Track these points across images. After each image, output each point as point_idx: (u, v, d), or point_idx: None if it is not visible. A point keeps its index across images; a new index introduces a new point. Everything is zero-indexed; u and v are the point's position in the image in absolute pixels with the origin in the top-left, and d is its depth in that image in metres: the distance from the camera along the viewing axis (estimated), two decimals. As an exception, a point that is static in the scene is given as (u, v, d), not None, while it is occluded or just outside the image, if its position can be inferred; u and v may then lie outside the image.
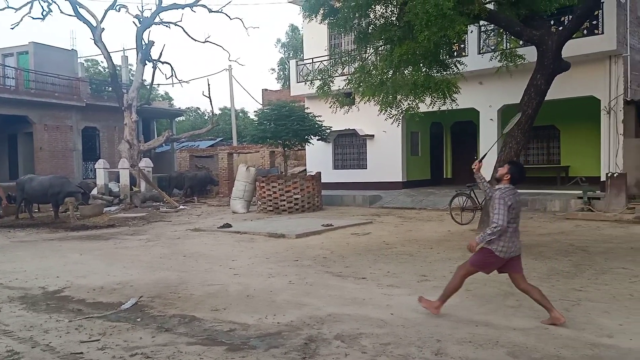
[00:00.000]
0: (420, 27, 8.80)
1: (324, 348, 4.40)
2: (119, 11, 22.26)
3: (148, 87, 25.35)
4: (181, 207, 18.58)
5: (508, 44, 13.59)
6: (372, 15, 10.98)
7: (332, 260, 8.32)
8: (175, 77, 24.96)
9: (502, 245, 4.84)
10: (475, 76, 15.40)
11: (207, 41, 24.14)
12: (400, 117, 11.89)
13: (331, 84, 12.16)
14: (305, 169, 20.94)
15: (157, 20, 22.54)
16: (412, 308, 5.40)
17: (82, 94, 25.68)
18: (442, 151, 21.33)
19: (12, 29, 21.52)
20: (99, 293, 6.57)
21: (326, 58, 16.81)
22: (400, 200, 16.72)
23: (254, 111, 19.87)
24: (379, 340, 4.54)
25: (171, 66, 24.13)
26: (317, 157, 20.20)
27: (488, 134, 16.54)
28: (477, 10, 9.44)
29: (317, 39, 19.28)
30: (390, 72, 10.55)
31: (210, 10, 22.78)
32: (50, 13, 21.60)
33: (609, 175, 13.29)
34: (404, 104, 11.37)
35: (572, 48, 12.26)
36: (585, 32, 13.92)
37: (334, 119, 15.78)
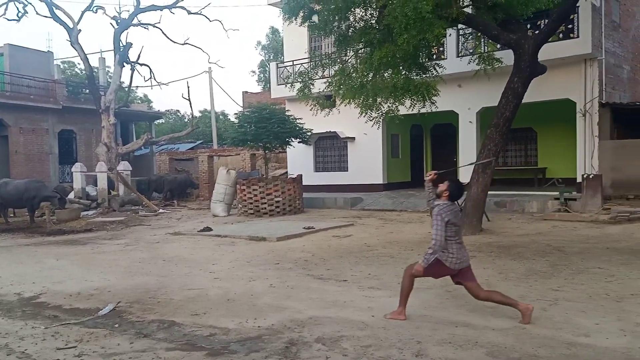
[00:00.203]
0: (399, 30, 8.87)
1: (304, 351, 4.39)
2: (96, 12, 21.96)
3: (126, 89, 25.03)
4: (161, 210, 18.37)
5: (486, 48, 13.78)
6: (351, 18, 11.04)
7: (314, 263, 8.31)
8: (154, 79, 24.70)
9: (452, 257, 4.97)
10: (454, 79, 15.56)
11: (187, 43, 23.95)
12: (381, 120, 11.96)
13: (312, 86, 12.18)
14: (287, 172, 20.89)
15: (135, 21, 22.30)
16: (393, 310, 5.41)
17: (59, 96, 25.23)
18: (422, 153, 21.49)
19: (-14, 30, 21.06)
20: (76, 299, 6.45)
21: (306, 60, 16.80)
22: (381, 202, 16.79)
23: (235, 114, 19.83)
24: (359, 342, 4.54)
25: (150, 68, 23.88)
26: (299, 159, 20.17)
27: (467, 136, 16.72)
28: (455, 14, 9.57)
29: (297, 42, 19.28)
30: (370, 75, 10.61)
31: (189, 12, 22.61)
32: (26, 14, 21.23)
33: (584, 176, 13.54)
34: (384, 107, 11.45)
35: (548, 51, 12.49)
36: (561, 35, 14.18)
37: (315, 121, 15.79)
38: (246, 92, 35.96)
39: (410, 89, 10.60)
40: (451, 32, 14.75)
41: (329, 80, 11.61)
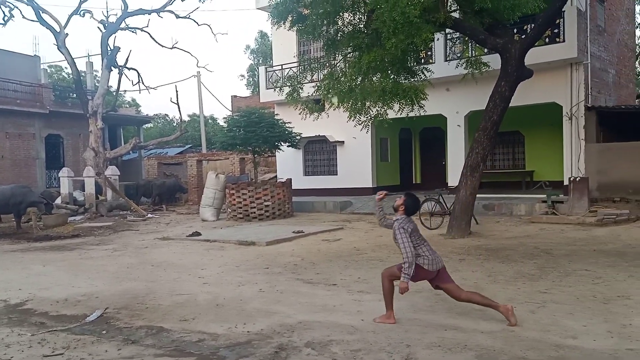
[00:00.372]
0: (387, 34, 8.92)
1: (294, 356, 4.38)
2: (83, 16, 21.83)
3: (114, 93, 24.91)
4: (149, 215, 18.26)
5: (473, 52, 13.89)
6: (340, 23, 11.07)
7: (303, 267, 8.30)
8: (142, 83, 24.57)
9: (427, 259, 5.04)
10: (442, 83, 15.66)
11: (175, 47, 23.91)
12: (369, 124, 11.99)
13: (300, 90, 12.18)
14: (276, 176, 20.87)
15: (122, 25, 22.21)
16: (382, 314, 5.41)
17: (45, 100, 25.00)
18: (411, 157, 21.58)
19: (-29, 34, 20.85)
20: (63, 305, 6.38)
21: (295, 65, 16.83)
22: (370, 206, 16.81)
23: (224, 118, 19.68)
24: (349, 346, 4.54)
25: (138, 72, 23.79)
26: (288, 163, 20.16)
27: (456, 140, 16.83)
28: (443, 19, 9.63)
29: (286, 46, 19.29)
30: (359, 79, 10.64)
31: (177, 16, 22.57)
32: (12, 18, 21.06)
33: (571, 179, 13.67)
34: (372, 111, 11.48)
35: (534, 56, 12.62)
36: (547, 40, 14.34)
37: (304, 125, 15.79)
38: (235, 96, 35.90)
39: (398, 93, 10.64)
40: (439, 37, 14.87)
41: (318, 84, 11.63)
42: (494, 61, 11.74)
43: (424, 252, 5.05)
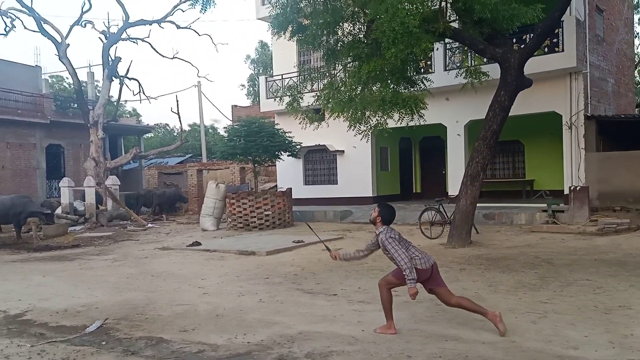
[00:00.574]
0: (387, 44, 8.96)
1: (294, 367, 4.35)
2: (84, 27, 21.98)
3: (115, 103, 24.99)
4: (149, 225, 18.24)
5: (473, 61, 13.94)
6: (340, 33, 11.14)
7: (303, 277, 8.28)
8: (143, 93, 24.70)
9: (419, 258, 5.06)
10: (442, 92, 15.71)
11: (176, 57, 24.04)
12: (369, 133, 12.02)
13: (300, 100, 12.22)
14: (276, 185, 20.87)
15: (124, 36, 22.34)
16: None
17: (47, 110, 25.09)
18: (411, 166, 21.60)
19: (-27, 44, 20.97)
20: (63, 316, 6.36)
21: (295, 74, 16.90)
22: (370, 215, 16.79)
23: (224, 127, 19.75)
24: (350, 357, 4.52)
25: (139, 82, 23.91)
26: (288, 173, 20.18)
27: (456, 149, 16.85)
28: (442, 29, 9.70)
29: (286, 56, 19.39)
30: (359, 89, 10.69)
31: (178, 27, 22.72)
32: (14, 29, 21.19)
33: (572, 188, 13.67)
34: (372, 120, 11.51)
35: (534, 65, 12.68)
36: (546, 49, 14.40)
37: (304, 134, 15.83)
38: (235, 105, 36.02)
39: (398, 103, 10.68)
40: (438, 46, 14.94)
41: (318, 93, 11.67)
42: (494, 71, 11.79)
43: (414, 252, 5.08)
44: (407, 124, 11.73)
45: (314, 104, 12.40)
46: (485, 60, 13.03)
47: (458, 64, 15.13)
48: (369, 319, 5.65)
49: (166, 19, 22.27)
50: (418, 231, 12.59)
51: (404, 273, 4.94)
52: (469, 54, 14.31)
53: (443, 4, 10.38)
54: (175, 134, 47.46)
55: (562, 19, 12.99)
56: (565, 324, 5.28)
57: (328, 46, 11.42)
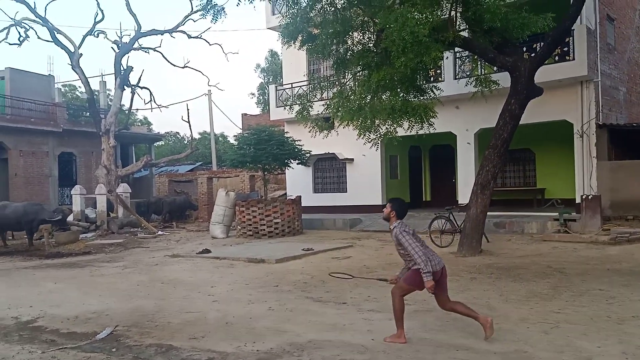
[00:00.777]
0: (397, 53, 8.98)
1: (304, 376, 4.34)
2: (97, 37, 22.23)
3: (126, 112, 25.20)
4: (159, 232, 18.32)
5: (483, 70, 13.92)
6: (349, 42, 11.18)
7: (313, 285, 8.26)
8: (154, 102, 24.99)
9: (430, 258, 5.02)
10: (451, 101, 15.69)
11: (187, 66, 24.22)
12: (379, 141, 12.02)
13: (310, 108, 12.26)
14: (286, 193, 20.90)
15: (136, 45, 22.56)
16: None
17: (59, 119, 25.38)
18: (420, 174, 21.54)
19: (-12, 54, 21.27)
20: (74, 323, 6.40)
21: (305, 83, 16.96)
22: (380, 223, 16.73)
23: (234, 135, 19.89)
24: (359, 366, 4.50)
25: (150, 91, 24.16)
26: (297, 181, 20.21)
27: (466, 158, 16.79)
28: (452, 38, 9.71)
29: (296, 65, 19.49)
30: (368, 97, 10.70)
31: (189, 36, 22.92)
32: (27, 39, 21.48)
33: (583, 197, 13.55)
34: (382, 128, 11.52)
35: (544, 74, 12.62)
36: (557, 58, 14.35)
37: (314, 143, 15.86)
38: (245, 114, 36.19)
39: (408, 111, 10.68)
40: (448, 55, 14.93)
41: (328, 102, 11.70)
42: (504, 79, 11.77)
43: (427, 251, 5.07)
44: (417, 132, 11.71)
45: (323, 112, 12.44)
46: (495, 68, 13.01)
47: (468, 73, 15.11)
48: (379, 327, 5.63)
49: (177, 29, 22.49)
50: (428, 240, 12.50)
51: (419, 267, 4.89)
52: (479, 63, 14.29)
53: (453, 13, 10.40)
54: (185, 142, 47.76)
55: (572, 28, 12.95)
56: (577, 334, 5.23)
57: (338, 55, 11.47)
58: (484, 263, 9.72)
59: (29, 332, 6.05)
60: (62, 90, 34.27)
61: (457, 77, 15.80)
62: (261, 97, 46.90)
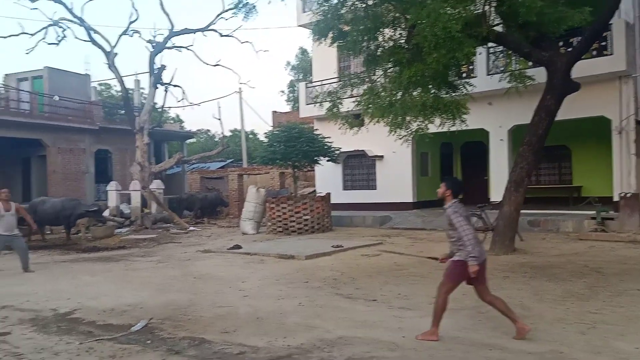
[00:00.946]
0: (428, 49, 8.89)
1: (334, 371, 4.35)
2: (132, 36, 22.64)
3: (159, 110, 25.64)
4: (191, 228, 18.61)
5: (517, 65, 13.63)
6: (380, 38, 11.10)
7: (342, 281, 8.26)
8: (186, 100, 25.31)
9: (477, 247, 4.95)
10: (484, 97, 15.43)
11: (218, 64, 24.46)
12: (410, 138, 11.91)
13: (340, 105, 12.24)
14: (315, 190, 20.96)
15: (169, 44, 22.92)
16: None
17: (95, 117, 26.01)
18: (452, 171, 21.26)
19: (27, 53, 22.02)
20: (110, 315, 6.57)
21: (335, 80, 16.95)
22: (410, 221, 16.62)
23: (264, 133, 19.98)
24: (390, 363, 4.48)
25: (182, 89, 24.51)
26: (327, 178, 20.21)
27: (498, 155, 16.49)
28: (486, 33, 9.54)
29: (326, 62, 19.47)
30: (399, 94, 10.61)
31: (221, 35, 23.12)
32: (65, 38, 22.06)
33: (622, 195, 13.15)
34: (413, 125, 11.41)
35: (581, 69, 12.28)
36: (594, 53, 13.95)
37: (343, 140, 15.83)
38: (275, 111, 36.44)
39: (439, 108, 10.56)
40: (481, 50, 14.67)
41: (358, 99, 11.66)
42: (539, 74, 11.50)
43: (476, 239, 4.96)
44: (449, 129, 11.57)
45: (353, 109, 12.40)
46: (530, 63, 12.73)
47: (502, 68, 14.82)
48: (410, 325, 5.59)
49: (209, 28, 22.75)
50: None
51: (467, 250, 4.83)
52: (513, 58, 14.00)
53: (486, 7, 10.20)
54: (216, 139, 48.39)
55: (610, 22, 12.56)
56: (615, 335, 5.09)
57: (368, 52, 11.40)
58: (517, 262, 9.54)
59: (67, 324, 6.23)
60: (98, 88, 35.17)
61: (490, 72, 15.50)
62: (291, 95, 47.10)
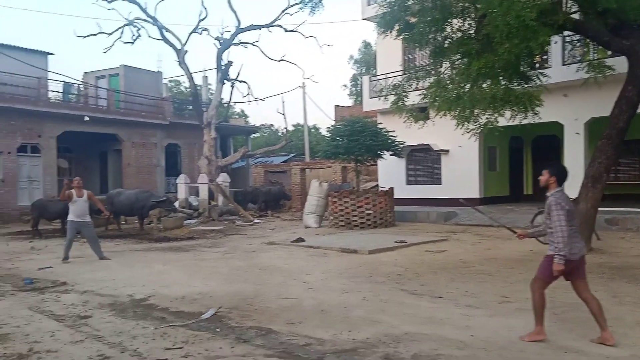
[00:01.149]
0: (500, 39, 8.55)
1: (401, 367, 4.30)
2: (201, 34, 23.42)
3: (226, 105, 26.34)
4: (256, 221, 19.03)
5: (595, 54, 12.87)
6: (448, 29, 10.79)
7: (407, 277, 8.16)
8: (252, 95, 25.85)
9: (575, 242, 4.70)
10: (559, 88, 14.70)
11: (282, 60, 24.79)
12: (478, 132, 11.55)
13: (405, 98, 12.04)
14: (378, 185, 20.81)
15: (235, 41, 23.48)
16: (493, 330, 5.16)
17: (166, 112, 27.12)
18: (522, 166, 20.46)
19: (105, 52, 23.25)
20: (181, 302, 6.83)
21: (399, 73, 16.70)
22: (477, 217, 16.11)
23: (327, 127, 20.06)
24: (458, 362, 4.38)
25: (248, 85, 25.01)
26: (390, 172, 20.01)
27: (574, 149, 15.68)
28: (562, 21, 9.06)
29: (390, 55, 19.24)
30: (468, 86, 10.29)
31: (285, 30, 23.43)
32: (139, 37, 23.12)
33: None
34: (482, 118, 11.04)
35: (668, 57, 11.40)
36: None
37: (407, 133, 15.60)
38: (338, 105, 36.42)
39: (510, 100, 10.15)
40: (557, 40, 13.98)
41: (424, 92, 11.42)
42: (619, 64, 10.80)
43: (575, 234, 4.72)
44: (520, 122, 11.10)
45: (419, 102, 12.17)
46: (609, 53, 11.97)
47: (579, 58, 14.04)
48: (478, 324, 5.44)
49: (275, 23, 23.09)
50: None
51: (557, 246, 4.60)
52: (591, 47, 13.22)
53: (563, -6, 9.70)
54: (280, 134, 49.06)
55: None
56: None
57: (435, 44, 11.12)
58: (594, 262, 9.02)
59: (142, 309, 6.54)
60: (168, 85, 36.58)
61: (565, 62, 14.75)
62: (354, 89, 46.98)
